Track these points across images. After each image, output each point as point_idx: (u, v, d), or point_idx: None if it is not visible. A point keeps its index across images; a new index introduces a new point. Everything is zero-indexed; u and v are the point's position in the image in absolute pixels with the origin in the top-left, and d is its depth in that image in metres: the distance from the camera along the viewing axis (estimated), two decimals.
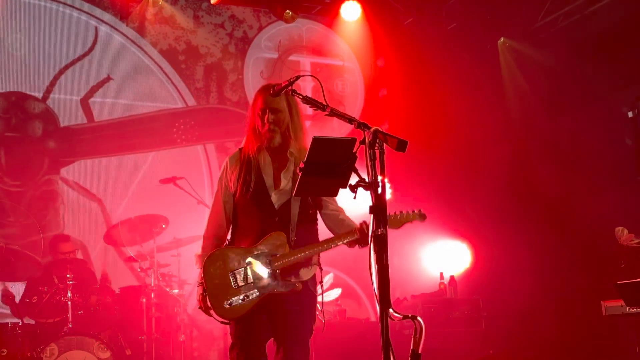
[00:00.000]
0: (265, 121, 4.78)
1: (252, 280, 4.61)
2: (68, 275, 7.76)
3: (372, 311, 10.57)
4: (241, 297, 4.60)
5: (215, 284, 4.65)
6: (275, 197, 4.76)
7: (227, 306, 4.60)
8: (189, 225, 9.37)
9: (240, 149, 4.95)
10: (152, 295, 8.25)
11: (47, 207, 9.48)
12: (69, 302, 7.69)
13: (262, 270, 4.62)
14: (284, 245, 4.65)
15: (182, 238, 8.79)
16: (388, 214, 3.97)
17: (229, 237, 4.94)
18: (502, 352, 8.61)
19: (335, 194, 3.83)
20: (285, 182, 4.77)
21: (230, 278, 4.64)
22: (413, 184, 10.66)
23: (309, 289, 4.77)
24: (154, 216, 8.57)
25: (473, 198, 10.27)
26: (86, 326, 7.78)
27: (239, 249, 4.73)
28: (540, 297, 9.07)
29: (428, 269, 10.26)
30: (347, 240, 4.62)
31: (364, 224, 4.52)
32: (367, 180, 3.56)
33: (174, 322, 8.54)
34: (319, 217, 4.95)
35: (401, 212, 4.66)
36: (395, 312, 3.42)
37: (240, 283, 4.62)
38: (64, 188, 9.64)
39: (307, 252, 4.64)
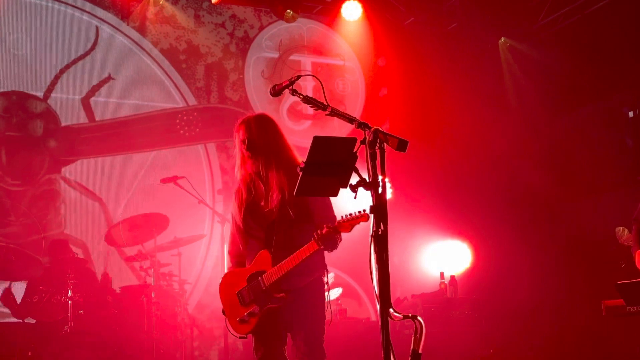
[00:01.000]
0: (245, 150, 5.17)
1: (252, 298, 5.08)
2: (68, 275, 7.77)
3: (372, 311, 10.57)
4: (247, 313, 5.08)
5: (228, 304, 5.22)
6: (263, 218, 5.15)
7: (239, 322, 5.12)
8: (190, 225, 9.40)
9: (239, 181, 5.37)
10: (153, 295, 8.25)
11: (48, 206, 9.48)
12: (70, 302, 7.68)
13: (256, 287, 5.06)
14: (269, 263, 5.05)
15: (183, 237, 8.79)
16: (338, 220, 4.69)
17: None
18: (502, 351, 8.61)
19: (336, 194, 3.84)
20: (270, 203, 5.09)
21: (238, 297, 5.14)
22: (413, 183, 10.66)
23: (309, 294, 5.09)
24: (154, 215, 8.57)
25: (473, 198, 10.28)
26: (87, 325, 7.78)
27: (242, 270, 5.23)
28: (541, 296, 9.08)
29: (428, 268, 10.26)
30: (311, 252, 4.87)
31: (317, 233, 4.79)
32: (367, 179, 3.57)
33: (174, 321, 8.54)
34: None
35: (350, 214, 4.73)
36: (396, 311, 3.43)
37: (245, 301, 5.11)
38: (64, 187, 9.64)
39: (280, 269, 4.95)
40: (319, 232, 4.78)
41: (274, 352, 5.13)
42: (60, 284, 7.81)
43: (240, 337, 5.19)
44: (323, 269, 5.16)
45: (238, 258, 5.37)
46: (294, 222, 5.03)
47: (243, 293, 5.10)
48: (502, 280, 9.61)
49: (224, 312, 5.24)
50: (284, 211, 5.03)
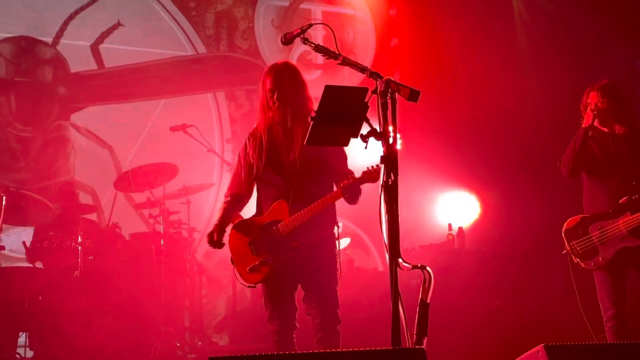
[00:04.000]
0: (275, 100, 5.19)
1: (265, 247, 5.18)
2: (78, 221, 7.81)
3: (379, 261, 10.62)
4: (258, 262, 5.17)
5: (239, 254, 5.29)
6: (283, 168, 5.23)
7: (249, 271, 5.20)
8: (199, 173, 9.42)
9: (256, 126, 5.42)
10: (162, 242, 8.31)
11: (57, 152, 9.50)
12: (79, 247, 7.74)
13: (271, 237, 5.17)
14: (285, 213, 5.15)
15: (192, 186, 8.82)
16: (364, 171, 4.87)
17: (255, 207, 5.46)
18: (508, 303, 8.65)
19: (347, 143, 3.85)
20: (293, 154, 5.20)
21: (250, 247, 5.22)
22: (423, 134, 10.63)
23: (323, 247, 5.23)
24: (163, 164, 8.59)
25: (483, 149, 10.24)
26: (96, 271, 7.84)
27: (254, 220, 5.31)
28: (548, 249, 9.09)
29: (437, 220, 10.28)
30: (332, 201, 5.08)
31: (344, 183, 4.95)
32: (378, 130, 3.56)
33: (183, 268, 8.61)
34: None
35: (377, 164, 4.75)
36: (405, 261, 3.45)
37: (258, 250, 5.20)
38: (74, 134, 9.65)
39: (299, 218, 5.08)
40: (345, 182, 4.93)
41: (285, 302, 5.25)
42: (70, 229, 7.85)
43: (249, 286, 5.28)
44: (335, 223, 5.30)
45: (236, 200, 5.46)
46: (314, 174, 5.14)
47: (256, 242, 5.20)
48: (509, 233, 9.62)
49: (232, 262, 5.32)
50: (305, 163, 5.14)
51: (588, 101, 6.09)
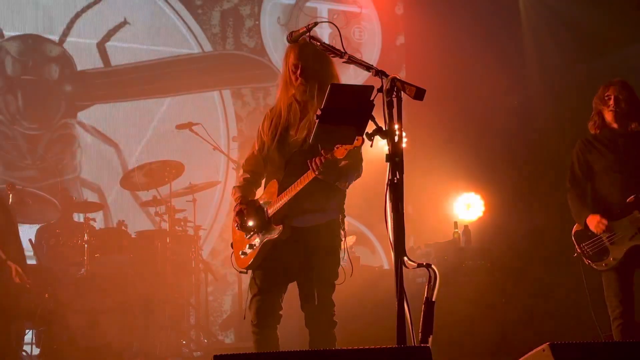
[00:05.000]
0: (298, 75, 4.86)
1: (255, 230, 4.84)
2: (84, 218, 7.83)
3: (385, 259, 10.63)
4: (248, 245, 4.86)
5: (236, 237, 4.99)
6: (288, 147, 4.89)
7: (242, 256, 4.89)
8: (205, 171, 9.44)
9: (276, 103, 5.09)
10: (168, 240, 8.32)
11: (64, 150, 9.53)
12: (86, 245, 7.76)
13: (262, 219, 4.83)
14: (275, 193, 4.81)
15: (198, 184, 8.83)
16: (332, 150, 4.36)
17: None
18: (514, 301, 8.64)
19: (352, 142, 3.84)
20: (300, 133, 4.84)
21: (244, 230, 4.89)
22: (429, 133, 10.62)
23: (322, 235, 4.82)
24: (170, 162, 8.60)
25: (489, 147, 10.24)
26: (102, 269, 7.87)
27: (254, 201, 4.96)
28: (554, 246, 9.08)
29: (442, 218, 10.26)
30: (308, 180, 4.60)
31: (312, 159, 4.50)
32: (384, 128, 3.57)
33: (189, 266, 8.62)
34: None
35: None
36: (410, 260, 3.45)
37: (249, 233, 4.87)
38: (80, 132, 9.67)
39: (281, 199, 4.73)
40: (315, 158, 4.49)
41: (269, 294, 4.84)
42: (76, 227, 7.87)
43: (240, 272, 4.97)
44: (339, 212, 4.88)
45: (252, 174, 5.08)
46: (313, 156, 4.54)
47: (249, 225, 4.83)
48: (515, 231, 9.62)
49: (232, 246, 5.02)
50: (309, 143, 4.64)
51: (607, 94, 5.99)
